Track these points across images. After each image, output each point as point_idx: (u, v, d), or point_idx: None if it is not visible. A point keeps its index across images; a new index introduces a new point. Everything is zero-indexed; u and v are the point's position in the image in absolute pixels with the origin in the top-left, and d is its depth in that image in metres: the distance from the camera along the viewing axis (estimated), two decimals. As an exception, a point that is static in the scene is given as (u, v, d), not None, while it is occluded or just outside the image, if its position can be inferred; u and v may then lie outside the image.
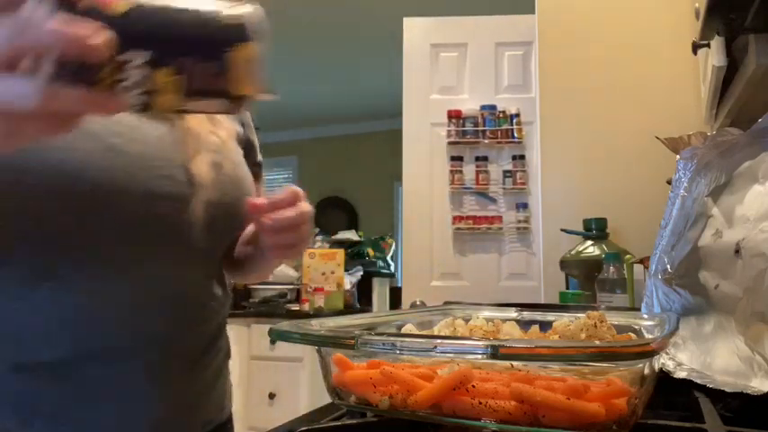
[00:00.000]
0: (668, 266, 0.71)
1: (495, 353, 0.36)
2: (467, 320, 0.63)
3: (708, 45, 1.10)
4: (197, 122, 0.68)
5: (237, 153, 0.74)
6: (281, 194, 0.66)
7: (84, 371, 0.57)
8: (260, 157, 0.85)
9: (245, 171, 0.74)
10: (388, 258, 3.52)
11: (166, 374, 0.62)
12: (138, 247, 0.61)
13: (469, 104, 2.79)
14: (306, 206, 0.68)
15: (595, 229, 1.77)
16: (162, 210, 0.61)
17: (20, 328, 0.56)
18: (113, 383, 0.58)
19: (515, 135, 2.74)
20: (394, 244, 3.63)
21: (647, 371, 0.40)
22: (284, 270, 3.07)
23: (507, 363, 0.41)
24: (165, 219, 0.62)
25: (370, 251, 3.39)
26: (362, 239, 3.46)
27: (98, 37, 0.34)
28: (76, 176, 0.54)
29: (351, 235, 3.43)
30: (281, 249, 0.70)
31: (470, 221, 2.72)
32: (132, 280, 0.60)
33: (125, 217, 0.59)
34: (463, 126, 2.77)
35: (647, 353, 0.37)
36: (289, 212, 0.65)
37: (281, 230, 0.66)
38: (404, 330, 0.60)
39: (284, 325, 0.48)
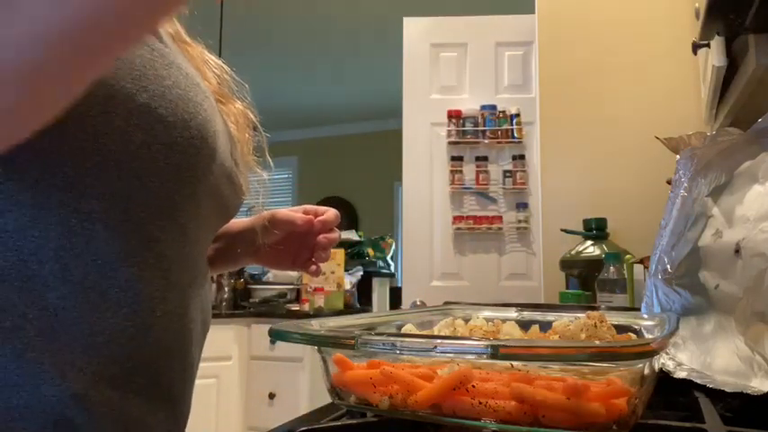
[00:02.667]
0: (668, 266, 0.71)
1: (495, 353, 0.36)
2: (467, 320, 0.63)
3: (708, 45, 1.10)
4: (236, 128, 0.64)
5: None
6: (330, 215, 0.72)
7: None
8: None
9: None
10: (388, 258, 3.52)
11: None
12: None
13: (469, 104, 2.79)
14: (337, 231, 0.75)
15: (595, 229, 1.77)
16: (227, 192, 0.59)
17: None
18: None
19: (515, 135, 2.74)
20: (394, 244, 3.63)
21: (647, 371, 0.40)
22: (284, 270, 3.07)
23: (507, 363, 0.40)
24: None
25: (370, 251, 3.39)
26: (362, 239, 3.45)
27: None
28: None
29: (351, 235, 3.43)
30: (310, 264, 0.75)
31: (470, 221, 2.72)
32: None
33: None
34: (463, 126, 2.76)
35: (647, 353, 0.37)
36: (336, 235, 0.72)
37: (326, 249, 0.72)
38: (404, 330, 0.59)
39: (284, 325, 0.48)
